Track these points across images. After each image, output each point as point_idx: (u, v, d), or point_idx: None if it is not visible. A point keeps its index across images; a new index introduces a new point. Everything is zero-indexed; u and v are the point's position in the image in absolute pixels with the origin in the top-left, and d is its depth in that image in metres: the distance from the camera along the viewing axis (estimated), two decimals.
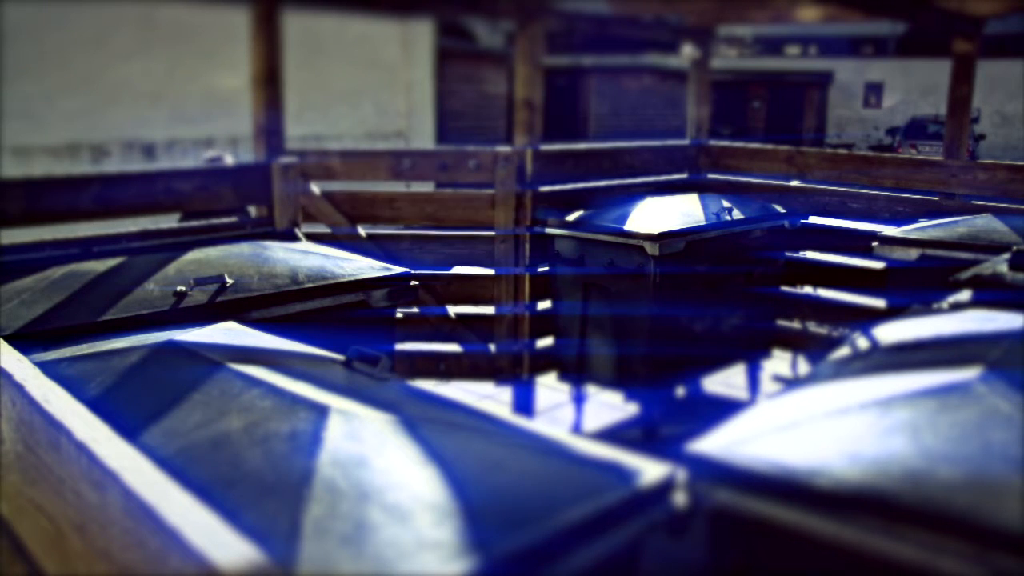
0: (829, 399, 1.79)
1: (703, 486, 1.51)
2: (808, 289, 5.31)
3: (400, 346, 4.73)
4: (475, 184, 4.95)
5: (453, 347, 5.00)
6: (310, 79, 7.71)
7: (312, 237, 3.94)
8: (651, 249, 4.21)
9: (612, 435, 4.55)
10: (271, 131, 3.86)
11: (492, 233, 4.79)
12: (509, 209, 4.73)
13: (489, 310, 4.91)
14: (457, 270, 5.05)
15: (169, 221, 3.68)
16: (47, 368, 2.00)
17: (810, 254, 5.20)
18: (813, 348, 5.08)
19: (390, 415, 1.68)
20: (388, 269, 3.20)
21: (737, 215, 4.67)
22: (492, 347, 4.87)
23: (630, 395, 4.72)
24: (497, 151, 4.82)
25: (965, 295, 2.77)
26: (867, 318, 2.90)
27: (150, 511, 1.32)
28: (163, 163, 7.67)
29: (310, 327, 2.74)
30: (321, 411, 1.68)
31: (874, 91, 11.93)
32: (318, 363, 2.11)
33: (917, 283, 3.69)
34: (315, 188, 4.54)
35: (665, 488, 1.48)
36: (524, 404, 4.86)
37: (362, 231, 4.77)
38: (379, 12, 7.14)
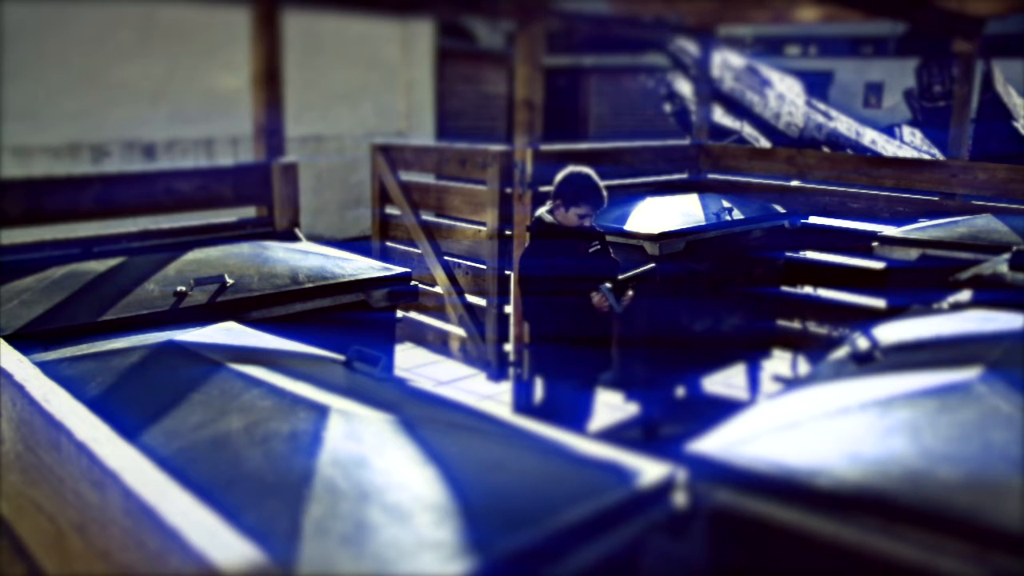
0: (829, 399, 1.79)
1: (703, 486, 1.51)
2: (808, 289, 5.30)
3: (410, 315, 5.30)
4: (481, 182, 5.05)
5: (458, 330, 5.26)
6: (310, 79, 7.70)
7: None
8: (651, 249, 4.20)
9: (612, 435, 4.55)
10: (271, 131, 3.86)
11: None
12: (496, 208, 4.83)
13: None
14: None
15: (169, 221, 3.68)
16: (47, 368, 2.00)
17: (810, 254, 5.19)
18: (813, 348, 5.08)
19: (390, 415, 1.68)
20: (388, 269, 3.20)
21: (737, 215, 4.67)
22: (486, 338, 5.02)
23: (630, 395, 4.71)
24: (491, 150, 4.90)
25: (965, 295, 2.77)
26: (867, 318, 2.89)
27: (150, 511, 1.32)
28: (163, 163, 7.65)
29: (310, 327, 2.74)
30: (321, 411, 1.68)
31: (874, 91, 11.91)
32: (318, 363, 2.11)
33: (917, 283, 3.69)
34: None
35: (665, 488, 1.48)
36: (524, 404, 4.86)
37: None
38: (379, 12, 7.14)
